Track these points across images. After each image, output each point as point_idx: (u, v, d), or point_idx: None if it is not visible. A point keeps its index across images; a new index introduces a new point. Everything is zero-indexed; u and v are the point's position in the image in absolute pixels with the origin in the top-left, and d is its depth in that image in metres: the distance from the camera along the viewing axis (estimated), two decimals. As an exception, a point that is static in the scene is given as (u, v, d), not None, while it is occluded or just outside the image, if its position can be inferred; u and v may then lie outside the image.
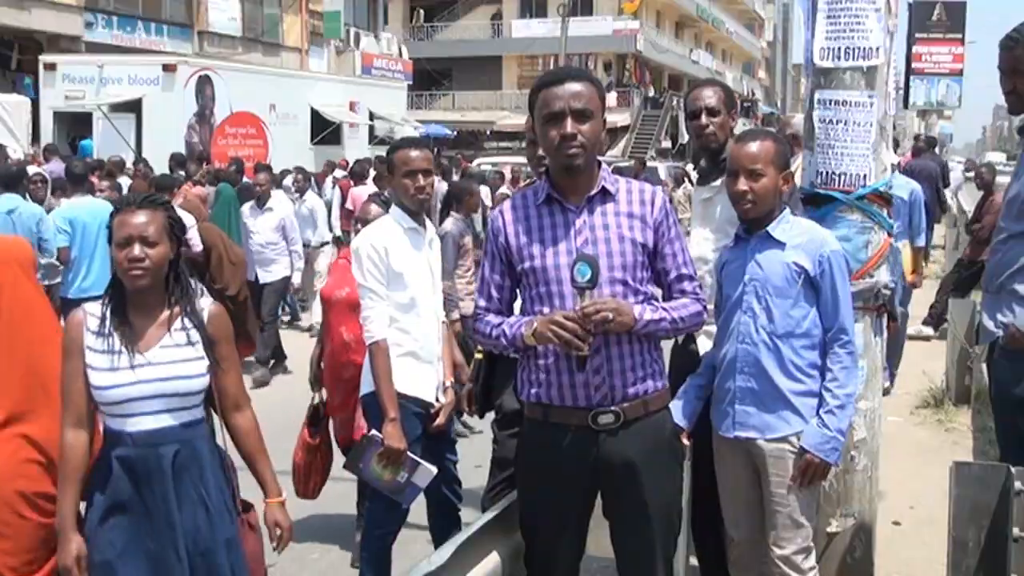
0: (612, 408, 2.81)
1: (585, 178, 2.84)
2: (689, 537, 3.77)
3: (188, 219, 7.72)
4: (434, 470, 3.90)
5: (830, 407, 3.14)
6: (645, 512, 2.87)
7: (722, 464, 3.35)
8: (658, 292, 2.94)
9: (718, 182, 3.56)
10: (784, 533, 3.18)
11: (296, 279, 9.72)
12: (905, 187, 7.33)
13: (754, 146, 3.20)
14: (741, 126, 4.53)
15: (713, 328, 3.39)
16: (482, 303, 2.99)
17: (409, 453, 3.82)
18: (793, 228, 3.25)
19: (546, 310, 2.81)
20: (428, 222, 4.08)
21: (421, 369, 3.94)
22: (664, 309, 2.85)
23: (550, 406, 2.85)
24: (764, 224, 3.23)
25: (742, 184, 3.17)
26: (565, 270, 2.76)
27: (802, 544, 3.19)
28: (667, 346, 3.38)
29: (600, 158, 2.91)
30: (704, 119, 3.66)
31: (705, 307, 2.96)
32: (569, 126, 2.75)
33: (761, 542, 3.24)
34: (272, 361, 9.15)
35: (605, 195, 2.85)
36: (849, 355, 3.18)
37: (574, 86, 2.78)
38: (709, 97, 3.66)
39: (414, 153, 3.89)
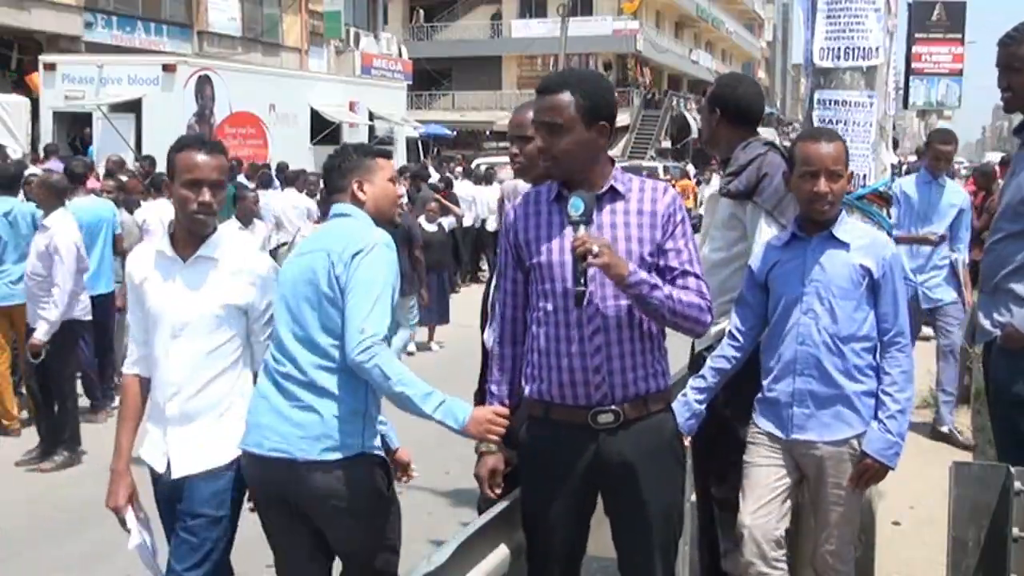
0: (612, 407, 2.80)
1: (591, 177, 2.81)
2: (691, 537, 3.76)
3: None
4: (134, 538, 3.19)
5: (891, 412, 3.13)
6: (643, 512, 2.86)
7: (756, 456, 3.27)
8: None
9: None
10: (837, 531, 3.21)
11: (41, 333, 6.48)
12: (957, 193, 7.03)
13: (831, 147, 3.14)
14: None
15: (713, 328, 3.37)
16: (501, 297, 3.00)
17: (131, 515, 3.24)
18: (853, 229, 3.22)
19: (550, 306, 2.82)
20: (215, 245, 3.18)
21: (149, 426, 3.31)
22: (666, 286, 2.77)
23: (551, 403, 2.85)
24: (826, 225, 3.19)
25: (823, 186, 3.10)
26: (569, 268, 2.74)
27: (851, 540, 3.26)
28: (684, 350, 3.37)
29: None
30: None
31: (710, 309, 2.87)
32: (540, 139, 2.82)
33: (774, 536, 3.19)
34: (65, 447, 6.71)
35: (615, 194, 2.83)
36: (907, 359, 3.17)
37: (548, 99, 2.80)
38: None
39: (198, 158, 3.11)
